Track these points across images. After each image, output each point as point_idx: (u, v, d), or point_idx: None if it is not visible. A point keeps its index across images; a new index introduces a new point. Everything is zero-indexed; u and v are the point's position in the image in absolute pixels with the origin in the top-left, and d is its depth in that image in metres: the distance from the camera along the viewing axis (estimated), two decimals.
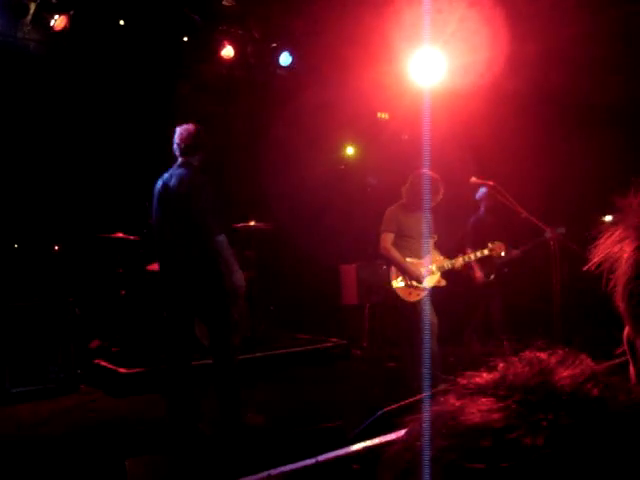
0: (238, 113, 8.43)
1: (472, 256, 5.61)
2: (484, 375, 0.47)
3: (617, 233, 0.78)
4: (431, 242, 5.43)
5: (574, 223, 6.18)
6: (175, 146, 4.46)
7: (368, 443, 2.40)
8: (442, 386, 0.48)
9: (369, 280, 7.98)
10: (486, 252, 5.67)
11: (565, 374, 0.45)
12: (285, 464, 3.28)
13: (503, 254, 6.11)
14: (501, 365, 0.47)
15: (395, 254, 5.27)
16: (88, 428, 4.87)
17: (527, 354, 0.48)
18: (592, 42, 6.17)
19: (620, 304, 0.80)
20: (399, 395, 2.78)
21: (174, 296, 4.47)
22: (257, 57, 7.92)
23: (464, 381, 0.47)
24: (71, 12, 6.55)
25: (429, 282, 5.33)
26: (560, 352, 0.48)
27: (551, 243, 5.29)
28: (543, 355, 0.48)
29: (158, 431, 4.66)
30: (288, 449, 3.49)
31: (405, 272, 5.26)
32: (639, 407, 0.43)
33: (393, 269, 5.33)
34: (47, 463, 4.13)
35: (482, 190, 6.57)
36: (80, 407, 5.46)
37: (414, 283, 5.27)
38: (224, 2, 7.22)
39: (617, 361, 0.83)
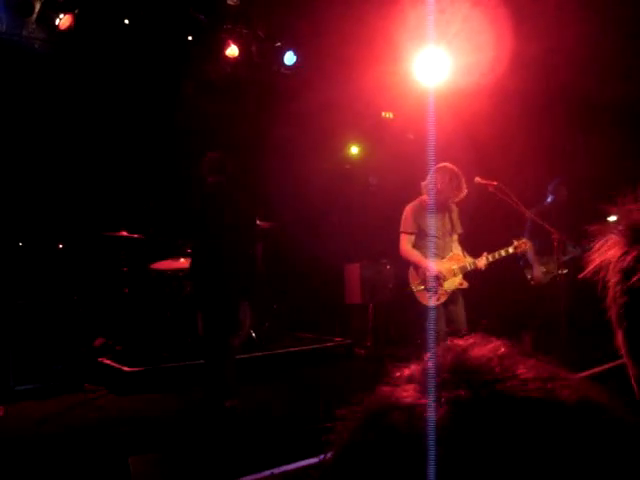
0: (242, 112, 8.43)
1: (497, 254, 5.14)
2: (412, 366, 0.53)
3: (610, 239, 0.80)
4: (455, 239, 5.18)
5: (576, 223, 6.13)
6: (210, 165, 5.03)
7: None
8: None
9: (373, 279, 7.98)
10: (511, 250, 5.18)
11: (472, 354, 0.50)
12: (288, 463, 3.29)
13: (525, 254, 5.78)
14: (427, 355, 0.53)
15: (414, 254, 5.03)
16: (92, 426, 4.88)
17: (447, 343, 0.54)
18: (597, 41, 6.15)
19: (609, 308, 0.81)
20: None
21: (212, 291, 4.80)
22: (261, 56, 7.92)
23: (397, 373, 0.53)
24: (76, 11, 6.57)
25: (450, 285, 5.02)
26: (474, 338, 0.54)
27: (555, 244, 5.23)
28: (460, 341, 0.53)
29: (161, 429, 4.68)
30: (290, 448, 3.49)
31: (424, 268, 4.97)
32: (535, 381, 0.47)
33: (412, 272, 5.06)
34: (51, 460, 4.14)
35: (556, 180, 6.44)
36: (84, 405, 5.48)
37: None
38: (229, 1, 7.22)
39: (619, 362, 0.84)
